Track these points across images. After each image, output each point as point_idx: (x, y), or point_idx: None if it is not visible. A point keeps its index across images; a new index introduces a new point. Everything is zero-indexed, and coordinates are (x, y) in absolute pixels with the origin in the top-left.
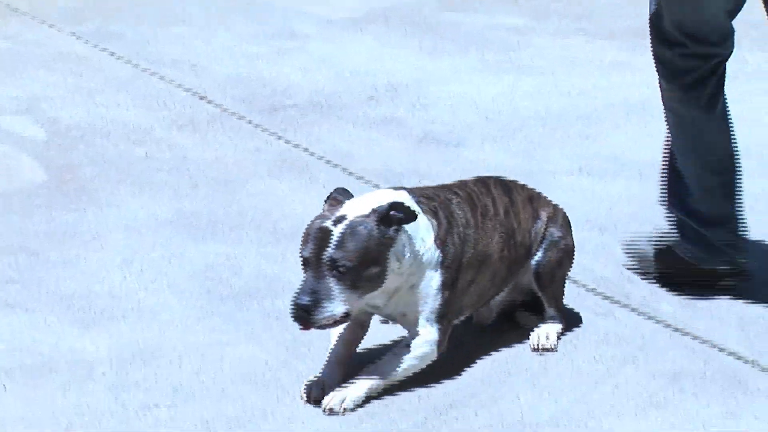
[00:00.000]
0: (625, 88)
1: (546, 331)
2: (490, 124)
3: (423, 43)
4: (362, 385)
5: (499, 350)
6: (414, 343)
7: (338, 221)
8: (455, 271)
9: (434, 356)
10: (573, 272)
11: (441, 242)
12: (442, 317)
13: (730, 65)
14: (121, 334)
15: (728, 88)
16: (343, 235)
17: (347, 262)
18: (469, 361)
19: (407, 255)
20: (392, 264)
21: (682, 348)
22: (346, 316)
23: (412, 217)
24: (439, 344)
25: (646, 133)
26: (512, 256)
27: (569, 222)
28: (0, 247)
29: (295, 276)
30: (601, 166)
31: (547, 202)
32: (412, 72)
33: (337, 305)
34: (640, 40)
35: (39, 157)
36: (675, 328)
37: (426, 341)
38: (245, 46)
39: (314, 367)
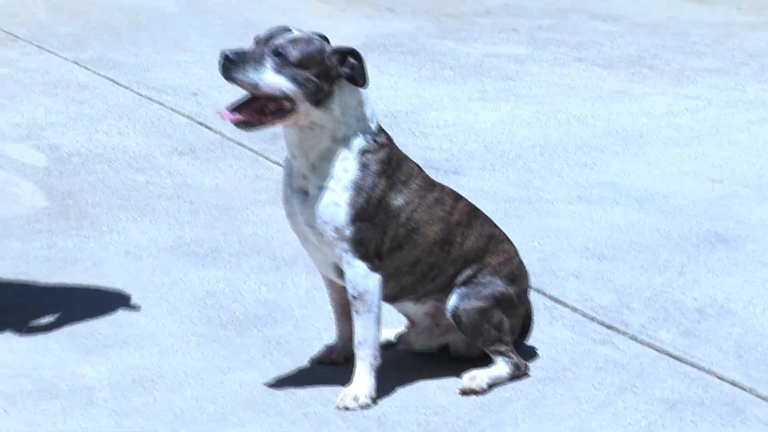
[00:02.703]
0: (624, 116)
1: (475, 374)
2: (488, 152)
3: (422, 71)
4: (363, 373)
5: None
6: (353, 291)
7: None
8: (372, 188)
9: (375, 282)
10: (572, 300)
11: (375, 144)
12: (359, 246)
13: (730, 94)
14: (122, 360)
15: (728, 117)
16: (298, 37)
17: (290, 53)
18: None
19: (348, 108)
20: (334, 100)
21: (681, 376)
22: (266, 105)
23: (361, 76)
24: (372, 269)
25: (644, 161)
26: (439, 259)
27: (520, 276)
28: (1, 273)
29: (296, 303)
30: (600, 194)
31: (505, 252)
32: (411, 99)
33: (260, 76)
34: (637, 69)
35: (40, 184)
36: (673, 356)
37: (357, 276)
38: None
39: (314, 393)
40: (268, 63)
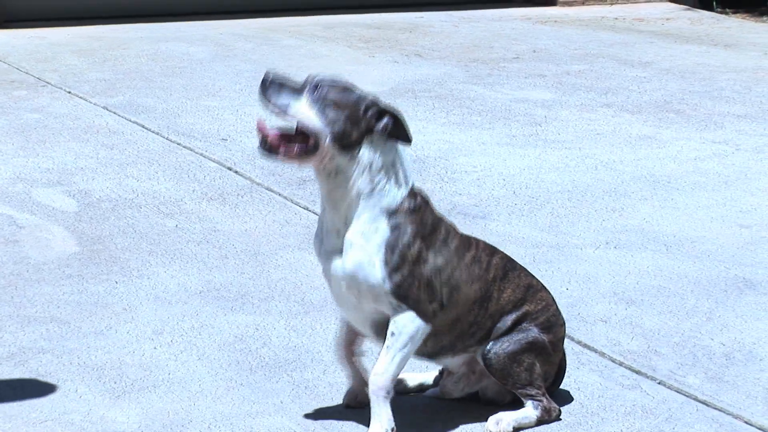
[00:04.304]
0: (651, 161)
1: (501, 417)
2: (516, 197)
3: (450, 116)
4: (378, 407)
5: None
6: (394, 328)
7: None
8: (407, 247)
9: (421, 330)
10: (600, 345)
11: (408, 206)
12: (404, 298)
13: (758, 140)
14: (152, 405)
15: (756, 162)
16: (341, 82)
17: (328, 93)
18: None
19: (377, 163)
20: (363, 152)
21: (709, 421)
22: (293, 141)
23: (402, 133)
24: (422, 317)
25: (672, 206)
26: (477, 318)
27: (556, 324)
28: (32, 317)
29: (325, 347)
30: (628, 239)
31: (543, 300)
32: (440, 145)
33: (292, 102)
34: (665, 114)
35: (71, 229)
36: (702, 401)
37: (404, 319)
38: (274, 118)
39: None
40: (305, 94)
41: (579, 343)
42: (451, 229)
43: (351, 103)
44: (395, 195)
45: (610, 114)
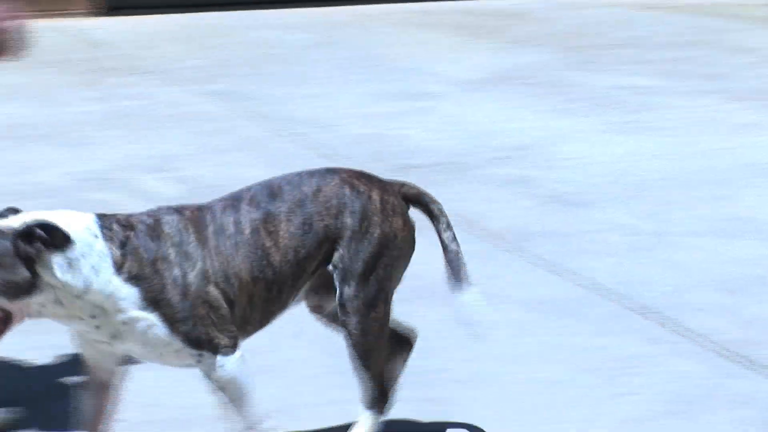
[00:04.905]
0: (755, 148)
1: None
2: (616, 184)
3: (550, 103)
4: None
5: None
6: (212, 378)
7: None
8: (179, 301)
9: (236, 368)
10: (700, 333)
11: (129, 276)
12: (201, 341)
13: None
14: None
15: None
16: None
17: None
18: None
19: (68, 276)
20: (49, 279)
21: None
22: None
23: (59, 241)
24: (227, 355)
25: None
26: (273, 276)
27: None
28: None
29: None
30: (730, 228)
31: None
32: (539, 132)
33: None
34: None
35: None
36: None
37: (216, 369)
38: (373, 107)
39: None
40: None
41: (678, 331)
42: (180, 223)
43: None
44: (115, 288)
45: (712, 101)
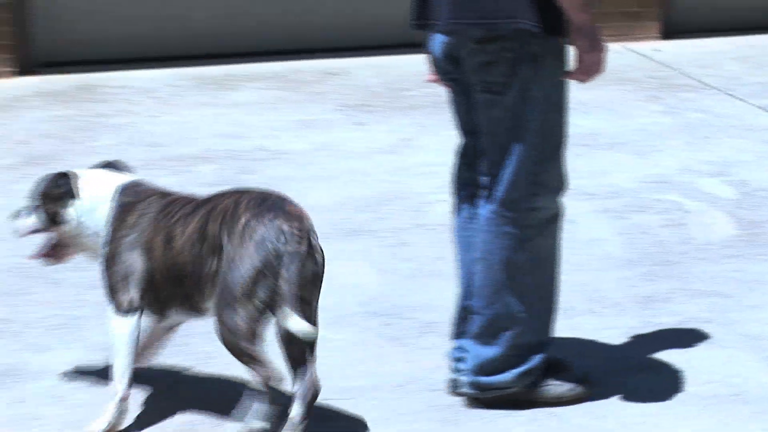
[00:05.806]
0: None
1: None
2: None
3: None
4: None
5: None
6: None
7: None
8: (114, 246)
9: (122, 328)
10: None
11: (110, 230)
12: (112, 295)
13: None
14: None
15: None
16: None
17: (34, 196)
18: None
19: (75, 216)
20: (69, 213)
21: None
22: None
23: (67, 193)
24: (119, 311)
25: None
26: (169, 262)
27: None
28: (697, 291)
29: None
30: None
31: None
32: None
33: (25, 221)
34: None
35: (731, 214)
36: None
37: (110, 324)
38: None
39: None
40: (31, 207)
41: None
42: (156, 203)
43: (47, 192)
44: (96, 229)
45: None
